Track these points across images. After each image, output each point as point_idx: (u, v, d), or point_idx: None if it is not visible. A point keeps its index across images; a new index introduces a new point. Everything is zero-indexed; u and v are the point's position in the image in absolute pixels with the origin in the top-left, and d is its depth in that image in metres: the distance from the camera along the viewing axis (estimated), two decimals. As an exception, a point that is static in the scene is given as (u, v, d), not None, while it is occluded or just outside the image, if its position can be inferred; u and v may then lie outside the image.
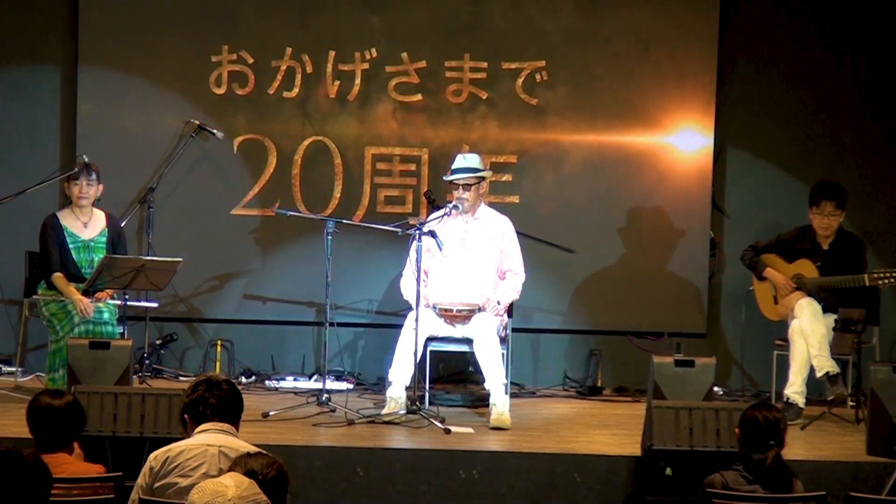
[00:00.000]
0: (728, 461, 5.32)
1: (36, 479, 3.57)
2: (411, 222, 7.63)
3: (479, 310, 7.52)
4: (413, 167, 8.72)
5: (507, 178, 8.72)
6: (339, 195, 8.68)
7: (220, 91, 8.69)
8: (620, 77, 8.73)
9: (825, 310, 7.64)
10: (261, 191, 8.70)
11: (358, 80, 8.69)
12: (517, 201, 8.68)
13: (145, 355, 8.35)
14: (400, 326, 7.59)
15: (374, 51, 8.66)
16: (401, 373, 7.37)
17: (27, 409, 4.76)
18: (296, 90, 8.69)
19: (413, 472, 6.46)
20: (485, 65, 8.71)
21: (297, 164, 8.70)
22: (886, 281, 7.43)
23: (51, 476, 3.63)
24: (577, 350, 8.85)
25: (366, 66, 8.68)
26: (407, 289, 7.70)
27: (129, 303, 7.71)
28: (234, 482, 3.72)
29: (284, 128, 8.71)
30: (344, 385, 8.23)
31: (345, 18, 8.69)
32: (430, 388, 7.76)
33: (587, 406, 8.27)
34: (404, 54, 8.68)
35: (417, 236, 7.41)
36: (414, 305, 7.35)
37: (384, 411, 7.28)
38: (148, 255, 8.21)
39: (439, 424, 7.06)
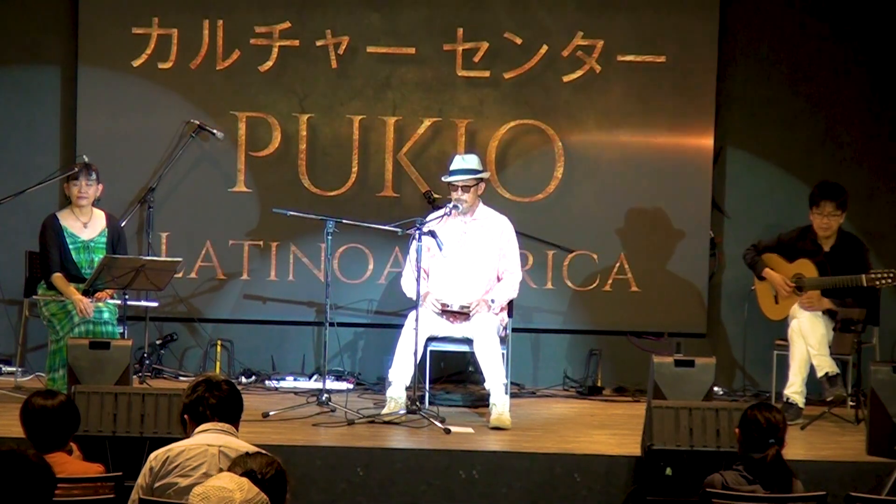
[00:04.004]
0: (728, 461, 5.32)
1: (40, 480, 3.56)
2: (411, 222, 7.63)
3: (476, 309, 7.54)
4: (413, 167, 8.73)
5: (507, 177, 8.73)
6: (349, 185, 8.69)
7: (222, 91, 8.69)
8: (620, 77, 8.73)
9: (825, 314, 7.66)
10: (261, 190, 8.71)
11: (359, 81, 8.71)
12: (518, 201, 8.68)
13: (145, 355, 8.35)
14: (400, 326, 7.59)
15: (376, 48, 8.68)
16: (401, 373, 7.37)
17: (21, 411, 4.76)
18: (295, 89, 8.71)
19: (413, 472, 6.46)
20: (486, 69, 8.71)
21: (301, 163, 8.71)
22: (883, 281, 7.44)
23: (54, 476, 3.63)
24: (577, 350, 8.86)
25: (368, 66, 8.70)
26: (408, 286, 7.72)
27: (129, 303, 7.71)
28: (236, 485, 3.72)
29: (285, 124, 8.70)
30: (344, 385, 8.23)
31: (345, 15, 8.68)
32: (430, 388, 7.76)
33: (587, 406, 8.26)
34: (409, 50, 8.69)
35: (417, 236, 7.42)
36: (414, 304, 7.36)
37: (384, 411, 7.28)
38: (148, 255, 8.22)
39: (439, 424, 7.06)
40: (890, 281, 7.42)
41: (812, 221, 7.85)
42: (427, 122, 8.73)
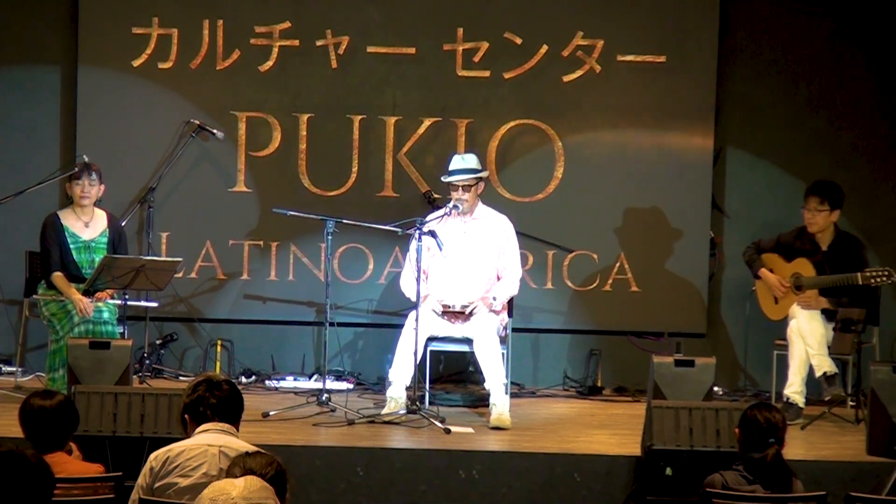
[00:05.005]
0: (728, 461, 5.32)
1: (39, 480, 3.56)
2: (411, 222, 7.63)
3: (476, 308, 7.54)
4: (413, 167, 8.74)
5: (507, 177, 8.73)
6: (349, 185, 8.69)
7: (221, 91, 8.69)
8: (620, 77, 8.73)
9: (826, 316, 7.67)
10: (261, 190, 8.71)
11: (359, 80, 8.71)
12: (518, 201, 8.68)
13: (145, 355, 8.35)
14: (400, 326, 7.60)
15: (376, 48, 8.68)
16: (401, 373, 7.37)
17: (19, 412, 4.75)
18: (295, 89, 8.71)
19: (413, 472, 6.46)
20: (486, 68, 8.71)
21: (301, 163, 8.71)
22: (878, 279, 7.44)
23: (53, 477, 3.63)
24: (577, 350, 8.86)
25: (368, 66, 8.70)
26: (407, 286, 7.73)
27: (129, 303, 7.71)
28: (245, 483, 3.70)
29: (285, 124, 8.70)
30: (344, 385, 8.23)
31: (344, 15, 8.69)
32: (430, 388, 7.76)
33: (587, 406, 8.27)
34: (409, 50, 8.69)
35: (417, 236, 7.42)
36: (414, 303, 7.36)
37: (384, 411, 7.28)
38: (148, 255, 8.22)
39: (439, 424, 7.06)
40: (884, 279, 7.42)
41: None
42: (427, 122, 8.73)
